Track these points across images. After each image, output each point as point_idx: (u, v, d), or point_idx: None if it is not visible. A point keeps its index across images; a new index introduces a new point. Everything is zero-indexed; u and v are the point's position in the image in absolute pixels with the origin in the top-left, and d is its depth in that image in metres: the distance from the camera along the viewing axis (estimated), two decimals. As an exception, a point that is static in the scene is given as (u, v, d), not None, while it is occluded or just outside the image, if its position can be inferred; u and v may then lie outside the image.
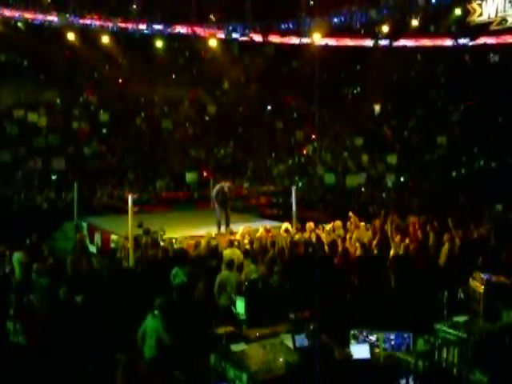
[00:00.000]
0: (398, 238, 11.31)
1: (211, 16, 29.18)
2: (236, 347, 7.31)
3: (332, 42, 28.76)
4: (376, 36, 28.64)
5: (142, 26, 27.18)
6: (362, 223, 13.19)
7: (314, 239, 12.39)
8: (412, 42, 27.52)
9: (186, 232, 15.18)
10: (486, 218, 14.08)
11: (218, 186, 15.76)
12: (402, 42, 27.61)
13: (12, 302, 8.57)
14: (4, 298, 8.83)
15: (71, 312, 8.26)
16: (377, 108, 27.05)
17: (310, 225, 13.43)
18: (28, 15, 25.36)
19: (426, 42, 27.30)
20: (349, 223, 13.34)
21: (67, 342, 7.44)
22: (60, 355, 7.22)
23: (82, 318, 8.10)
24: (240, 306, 8.64)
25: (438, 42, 27.02)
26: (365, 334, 7.32)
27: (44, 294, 9.06)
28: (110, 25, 26.33)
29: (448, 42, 26.85)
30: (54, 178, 19.32)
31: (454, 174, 21.19)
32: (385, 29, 25.56)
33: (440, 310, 8.23)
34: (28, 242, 12.44)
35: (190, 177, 20.49)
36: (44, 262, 10.70)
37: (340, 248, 11.71)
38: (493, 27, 25.77)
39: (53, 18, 25.56)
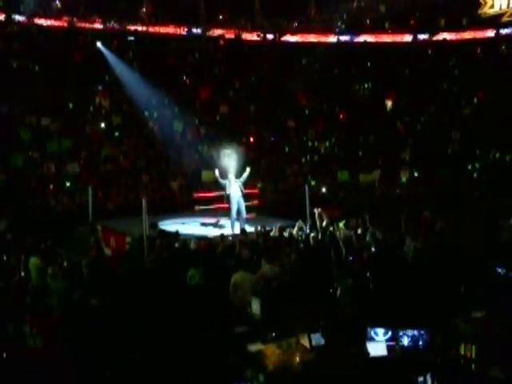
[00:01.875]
0: (412, 234, 11.25)
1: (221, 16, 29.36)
2: (253, 347, 7.30)
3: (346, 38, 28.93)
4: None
5: (153, 29, 27.43)
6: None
7: (328, 236, 12.37)
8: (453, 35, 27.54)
9: (201, 232, 15.27)
10: (501, 211, 13.96)
11: (229, 184, 15.76)
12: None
13: (28, 305, 8.61)
14: (20, 302, 8.88)
15: (87, 315, 8.30)
16: (389, 104, 26.91)
17: (326, 222, 13.42)
18: (39, 20, 25.60)
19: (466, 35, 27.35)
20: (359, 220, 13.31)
21: (84, 346, 7.47)
22: (76, 359, 7.24)
23: (99, 321, 8.14)
24: (255, 306, 8.64)
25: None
26: (381, 331, 7.28)
27: (60, 297, 9.11)
28: (120, 27, 26.56)
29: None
30: (67, 182, 19.39)
31: (468, 167, 21.05)
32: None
33: (457, 306, 8.18)
34: (43, 247, 12.50)
35: (206, 175, 20.38)
36: (59, 265, 10.76)
37: (355, 245, 11.69)
38: (504, 19, 25.65)
39: (63, 22, 25.81)
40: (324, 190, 19.97)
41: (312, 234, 12.63)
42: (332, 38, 29.67)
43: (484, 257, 9.92)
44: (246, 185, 16.20)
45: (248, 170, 15.87)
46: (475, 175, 20.56)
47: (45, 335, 7.78)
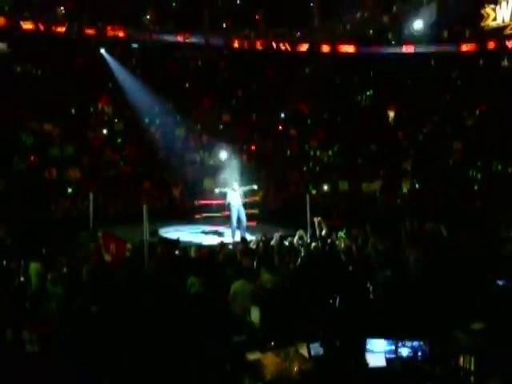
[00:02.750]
0: (413, 244, 11.25)
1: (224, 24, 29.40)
2: (251, 356, 7.28)
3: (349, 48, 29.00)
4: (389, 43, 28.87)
5: (155, 36, 27.48)
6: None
7: (328, 246, 12.38)
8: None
9: (201, 240, 15.27)
10: (502, 223, 13.96)
11: (230, 193, 15.82)
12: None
13: (28, 311, 8.61)
14: (20, 308, 8.87)
15: (86, 321, 8.29)
16: (391, 114, 26.94)
17: (325, 231, 13.42)
18: (43, 26, 25.64)
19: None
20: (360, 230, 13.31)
21: (82, 352, 7.46)
22: (74, 366, 7.22)
23: (98, 328, 8.13)
24: (254, 315, 8.62)
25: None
26: (381, 341, 7.26)
27: (59, 303, 9.10)
28: (123, 34, 26.62)
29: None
30: (68, 187, 19.42)
31: (469, 178, 21.07)
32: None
33: (457, 317, 8.16)
34: (44, 252, 12.49)
35: (207, 183, 20.46)
36: (59, 271, 10.75)
37: (356, 255, 11.69)
38: (507, 32, 25.71)
39: (67, 28, 25.85)
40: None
41: (313, 244, 12.63)
42: (335, 48, 29.67)
43: (484, 268, 9.91)
44: (246, 195, 16.28)
45: (255, 187, 16.04)
46: (476, 187, 20.57)
47: (43, 341, 7.78)
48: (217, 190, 16.16)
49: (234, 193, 15.69)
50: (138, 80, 25.22)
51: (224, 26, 29.46)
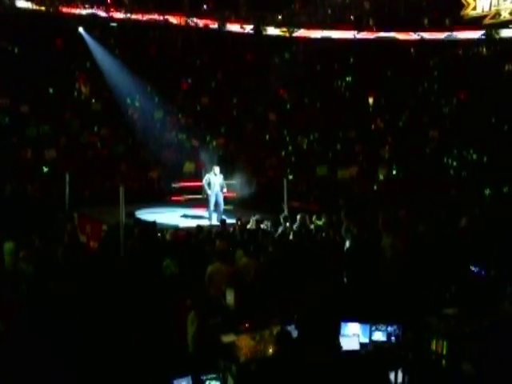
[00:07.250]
0: (387, 231, 11.30)
1: (205, 6, 29.21)
2: (226, 338, 7.29)
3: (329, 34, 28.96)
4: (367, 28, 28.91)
5: (136, 16, 27.26)
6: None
7: (304, 230, 12.42)
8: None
9: (178, 223, 15.25)
10: (477, 210, 14.08)
11: (208, 175, 15.88)
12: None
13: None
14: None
15: (58, 301, 8.23)
16: (370, 100, 26.97)
17: (302, 216, 13.46)
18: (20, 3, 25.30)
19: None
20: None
21: (53, 332, 7.40)
22: (43, 345, 7.16)
23: (71, 308, 8.08)
24: (230, 298, 8.63)
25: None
26: (354, 325, 7.32)
27: (29, 281, 9.05)
28: (104, 14, 26.36)
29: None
30: (45, 168, 19.21)
31: (445, 166, 21.20)
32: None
33: (430, 302, 8.24)
34: (18, 232, 12.36)
35: (187, 166, 20.44)
36: (33, 250, 10.66)
37: (331, 239, 11.75)
38: (486, 21, 25.85)
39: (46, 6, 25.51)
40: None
41: (293, 229, 12.68)
42: (316, 33, 29.60)
43: (458, 255, 10.00)
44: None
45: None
46: (452, 173, 20.76)
47: (7, 319, 7.70)
48: (208, 191, 16.01)
49: (215, 177, 15.80)
50: (117, 60, 24.97)
51: (205, 7, 29.26)
